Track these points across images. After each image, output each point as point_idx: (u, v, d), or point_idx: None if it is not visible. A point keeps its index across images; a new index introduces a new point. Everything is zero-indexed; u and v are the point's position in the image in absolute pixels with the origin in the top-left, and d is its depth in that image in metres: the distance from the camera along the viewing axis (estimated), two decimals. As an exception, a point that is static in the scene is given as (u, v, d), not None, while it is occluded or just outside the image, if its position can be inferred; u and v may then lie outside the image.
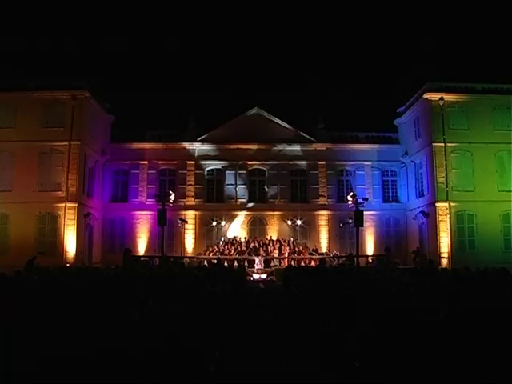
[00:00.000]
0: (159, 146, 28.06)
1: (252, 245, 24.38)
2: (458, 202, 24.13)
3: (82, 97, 24.50)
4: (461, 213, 24.29)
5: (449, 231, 23.83)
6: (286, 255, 23.46)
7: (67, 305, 5.77)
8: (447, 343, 4.35)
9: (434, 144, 24.58)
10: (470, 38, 41.88)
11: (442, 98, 24.77)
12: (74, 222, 23.42)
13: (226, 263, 20.97)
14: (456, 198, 24.11)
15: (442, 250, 23.64)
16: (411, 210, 27.25)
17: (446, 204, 24.13)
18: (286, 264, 21.12)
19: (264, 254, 23.22)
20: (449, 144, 24.49)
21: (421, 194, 26.24)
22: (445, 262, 23.24)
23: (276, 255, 23.52)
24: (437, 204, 24.15)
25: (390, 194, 28.62)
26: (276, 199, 28.05)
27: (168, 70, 43.88)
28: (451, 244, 23.66)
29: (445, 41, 42.45)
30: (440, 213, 24.05)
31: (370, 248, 27.32)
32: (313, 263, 21.14)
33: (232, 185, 28.10)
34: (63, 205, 23.47)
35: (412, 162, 27.30)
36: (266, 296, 13.80)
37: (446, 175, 24.21)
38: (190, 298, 6.83)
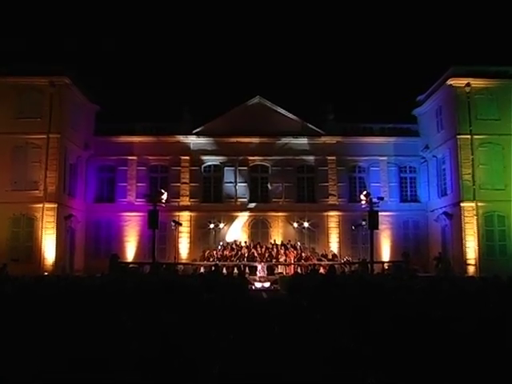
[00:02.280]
0: (150, 139, 28.07)
1: (254, 250, 24.43)
2: (486, 201, 23.88)
3: (62, 83, 24.20)
4: (490, 214, 24.06)
5: (476, 235, 23.66)
6: (292, 261, 23.55)
7: (44, 321, 5.73)
8: (475, 363, 4.27)
9: (459, 136, 24.40)
10: (499, 16, 41.56)
11: (468, 84, 24.45)
12: (54, 224, 23.33)
13: (224, 270, 21.08)
14: (484, 197, 23.88)
15: (468, 256, 23.51)
16: (432, 211, 27.18)
17: (473, 204, 23.95)
18: (292, 271, 21.16)
19: (267, 260, 23.28)
20: (476, 136, 24.28)
21: (443, 193, 26.18)
22: (471, 269, 23.03)
23: (280, 261, 23.55)
24: (462, 204, 24.03)
25: (409, 193, 28.55)
26: (280, 199, 28.02)
27: (160, 56, 43.83)
28: (479, 249, 23.50)
29: (470, 20, 42.19)
30: (466, 214, 23.89)
31: (385, 253, 27.30)
32: (322, 270, 20.96)
33: (231, 183, 28.07)
34: (41, 205, 23.38)
35: (433, 156, 27.22)
36: (269, 306, 13.68)
37: (473, 171, 24.02)
38: (184, 308, 6.90)
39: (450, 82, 24.72)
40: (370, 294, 8.23)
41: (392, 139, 28.38)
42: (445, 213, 25.57)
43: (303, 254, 24.40)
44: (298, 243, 25.62)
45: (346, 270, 21.92)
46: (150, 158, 27.95)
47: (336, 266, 20.32)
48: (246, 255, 23.93)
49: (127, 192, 27.63)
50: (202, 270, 21.65)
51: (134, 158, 27.86)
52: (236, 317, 7.70)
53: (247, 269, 22.24)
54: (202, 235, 27.33)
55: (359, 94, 35.25)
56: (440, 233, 26.33)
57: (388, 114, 28.89)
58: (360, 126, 28.76)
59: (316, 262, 23.38)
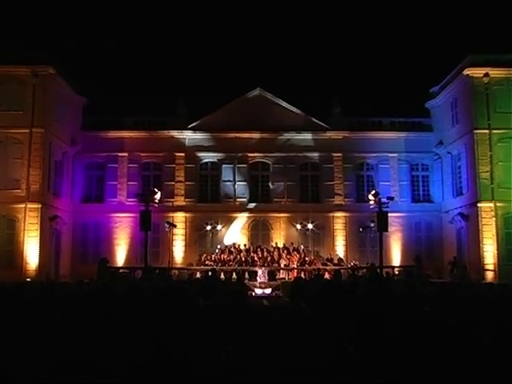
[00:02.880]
0: (142, 134, 28.09)
1: (254, 253, 24.56)
2: (505, 201, 23.70)
3: (46, 73, 24.01)
4: (510, 215, 23.91)
5: (495, 238, 23.52)
6: (295, 266, 23.62)
7: (26, 330, 5.71)
8: (494, 372, 4.29)
9: (476, 131, 24.28)
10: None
11: (486, 74, 24.24)
12: (37, 226, 23.24)
13: (222, 275, 21.05)
14: (503, 196, 23.71)
15: (486, 261, 23.35)
16: (447, 212, 27.17)
17: (491, 204, 23.83)
18: (296, 276, 21.04)
19: (268, 265, 23.36)
20: (494, 131, 24.14)
21: (459, 193, 26.21)
22: (490, 275, 22.86)
23: (283, 266, 23.64)
24: (479, 204, 23.94)
25: (421, 193, 28.57)
26: (282, 199, 28.07)
27: (153, 46, 43.76)
28: (498, 253, 23.34)
29: (488, 5, 41.99)
30: (483, 215, 23.77)
31: (396, 257, 27.34)
32: (327, 275, 21.05)
33: (230, 181, 28.10)
34: (23, 206, 23.28)
35: (448, 153, 27.24)
36: (270, 314, 13.84)
37: (491, 169, 23.90)
38: (179, 316, 6.94)
39: (467, 71, 24.56)
40: (379, 301, 8.26)
41: (403, 134, 28.38)
42: (460, 214, 25.52)
43: (307, 258, 24.43)
44: (302, 246, 25.67)
45: (355, 273, 21.73)
46: (142, 154, 27.98)
47: (342, 270, 20.00)
48: (246, 259, 24.02)
49: (117, 191, 27.65)
50: (198, 275, 21.62)
51: (125, 154, 27.85)
52: (234, 325, 7.74)
53: (247, 274, 22.31)
54: (198, 238, 27.36)
55: (367, 85, 35.26)
56: (455, 235, 26.34)
57: (399, 107, 29.00)
58: (368, 120, 28.76)
59: (321, 267, 23.44)
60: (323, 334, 7.64)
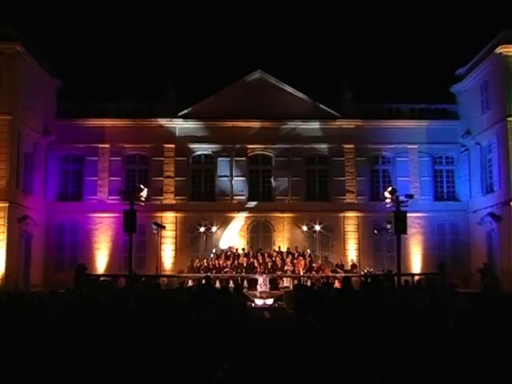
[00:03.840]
0: (126, 123, 28.00)
1: (253, 259, 24.55)
2: (544, 200, 23.72)
3: (13, 51, 23.85)
4: (549, 216, 23.73)
5: (531, 241, 23.56)
6: (301, 273, 23.69)
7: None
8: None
9: (511, 119, 24.23)
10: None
11: (524, 53, 24.15)
12: (4, 228, 23.19)
13: (218, 284, 21.20)
14: (541, 194, 23.76)
15: (521, 269, 23.44)
16: (475, 212, 27.07)
17: (527, 203, 23.81)
18: (295, 284, 21.17)
19: (270, 272, 23.44)
20: (533, 118, 24.14)
21: (489, 190, 26.13)
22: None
23: (286, 273, 23.63)
24: (513, 203, 24.03)
25: (445, 190, 28.51)
26: (286, 196, 28.05)
27: (139, 20, 43.25)
28: (535, 259, 23.39)
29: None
30: (518, 216, 23.80)
31: (416, 264, 27.32)
32: (337, 284, 21.09)
33: (226, 177, 28.05)
34: (-14, 205, 23.33)
35: (477, 144, 27.14)
36: (272, 329, 14.12)
37: (528, 163, 23.86)
38: (167, 330, 6.98)
39: (500, 49, 24.47)
40: (396, 315, 8.28)
41: (424, 123, 28.29)
42: (491, 214, 25.45)
43: (314, 264, 24.46)
44: (308, 251, 25.70)
45: (369, 281, 21.61)
46: (126, 146, 27.92)
47: (354, 278, 20.29)
48: (245, 265, 24.06)
49: (98, 188, 27.58)
50: (191, 283, 21.70)
51: (107, 145, 27.78)
52: (231, 341, 7.99)
53: (246, 282, 22.48)
54: (191, 241, 27.40)
55: (383, 67, 34.85)
56: (485, 239, 26.23)
57: (419, 91, 28.82)
58: (384, 106, 28.69)
59: (330, 274, 23.51)
60: (332, 351, 7.74)
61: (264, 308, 20.11)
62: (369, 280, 21.70)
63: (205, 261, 24.58)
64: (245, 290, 20.11)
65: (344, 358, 7.15)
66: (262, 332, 13.17)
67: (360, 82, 29.06)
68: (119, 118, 27.99)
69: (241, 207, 27.74)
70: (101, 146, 27.72)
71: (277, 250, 26.01)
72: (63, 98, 28.24)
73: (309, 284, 21.52)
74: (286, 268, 23.82)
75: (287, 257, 24.66)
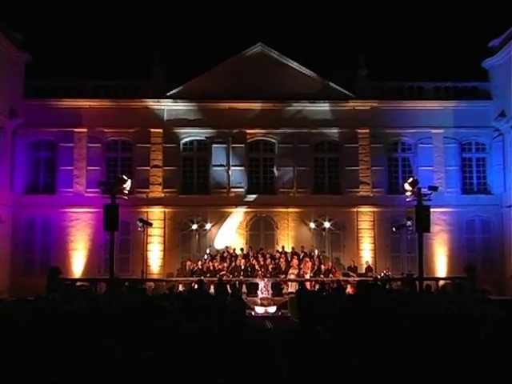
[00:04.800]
0: (106, 104, 27.89)
1: (254, 260, 24.58)
2: None
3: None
4: None
5: None
6: (308, 276, 23.71)
7: None
8: None
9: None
10: None
11: None
12: (-38, 225, 23.36)
13: (212, 289, 21.16)
14: None
15: None
16: (510, 207, 27.02)
17: None
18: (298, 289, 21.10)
19: (272, 275, 23.53)
20: None
21: (527, 181, 26.45)
22: None
23: (291, 276, 23.65)
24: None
25: (475, 181, 28.48)
26: (291, 189, 28.06)
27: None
28: None
29: None
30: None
31: (441, 266, 27.34)
32: (349, 289, 21.39)
33: (222, 166, 28.01)
34: None
35: (513, 128, 27.15)
36: (275, 340, 14.18)
37: None
38: (155, 342, 7.11)
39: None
40: (418, 325, 8.30)
41: (451, 104, 28.16)
42: (529, 209, 25.60)
43: (323, 267, 24.48)
44: (316, 251, 25.76)
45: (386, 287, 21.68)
46: (107, 130, 27.87)
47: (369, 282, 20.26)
48: (243, 268, 24.12)
49: (74, 179, 27.49)
50: (181, 288, 21.77)
51: (84, 130, 27.69)
52: (228, 354, 8.20)
53: (244, 287, 22.50)
54: (182, 240, 27.42)
55: (403, 39, 34.29)
56: (521, 237, 26.45)
57: (445, 67, 28.78)
58: (405, 85, 28.62)
59: (341, 278, 23.53)
60: (344, 367, 8.00)
61: (265, 317, 20.14)
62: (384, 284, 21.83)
63: (199, 263, 24.59)
64: (244, 297, 20.11)
65: (358, 374, 7.27)
66: (262, 344, 13.27)
67: (376, 56, 28.80)
68: (98, 98, 27.82)
69: (239, 201, 27.69)
70: (77, 130, 27.58)
71: (280, 250, 26.04)
72: (33, 74, 28.02)
73: (316, 289, 21.37)
74: (290, 271, 23.84)
75: (292, 258, 24.71)
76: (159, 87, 27.97)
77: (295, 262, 24.31)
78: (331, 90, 28.19)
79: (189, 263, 24.85)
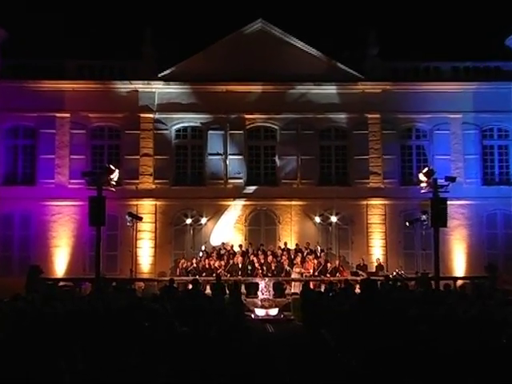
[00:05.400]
0: (91, 86, 27.80)
1: (253, 258, 24.70)
2: None
3: None
4: None
5: None
6: (312, 275, 23.88)
7: None
8: None
9: None
10: None
11: None
12: None
13: (208, 289, 21.27)
14: None
15: None
16: (535, 200, 27.28)
17: None
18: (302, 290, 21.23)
19: (274, 274, 23.68)
20: None
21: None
22: None
23: (295, 275, 23.74)
24: None
25: (497, 171, 28.40)
26: (294, 180, 28.09)
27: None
28: None
29: None
30: None
31: (458, 265, 27.35)
32: (358, 290, 20.97)
33: (219, 155, 28.01)
34: None
35: (539, 113, 27.39)
36: (276, 346, 14.36)
37: None
38: (146, 348, 7.44)
39: None
40: (434, 328, 8.50)
41: (471, 86, 28.05)
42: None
43: (329, 265, 24.59)
44: (319, 248, 25.93)
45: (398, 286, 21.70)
46: (92, 115, 27.83)
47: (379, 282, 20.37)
48: (242, 266, 24.24)
49: (56, 169, 27.42)
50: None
51: (66, 115, 27.63)
52: (226, 361, 8.13)
53: (243, 287, 22.48)
54: (175, 236, 27.46)
55: (418, 15, 34.49)
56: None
57: (464, 45, 28.65)
58: (419, 65, 28.46)
59: (350, 278, 23.45)
60: (352, 376, 8.17)
61: (266, 320, 20.20)
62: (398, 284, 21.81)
63: (194, 261, 24.63)
64: (242, 298, 20.19)
65: (366, 383, 7.43)
66: (263, 350, 13.31)
67: (388, 33, 28.80)
68: (82, 79, 27.67)
69: (237, 193, 27.74)
70: (59, 115, 27.52)
71: (282, 246, 26.09)
72: (9, 53, 27.86)
73: (322, 289, 21.57)
74: (293, 270, 23.90)
75: (296, 256, 24.78)
76: (149, 68, 27.81)
77: (299, 259, 24.33)
78: (338, 70, 28.08)
79: (182, 261, 24.90)
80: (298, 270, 23.85)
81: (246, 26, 28.14)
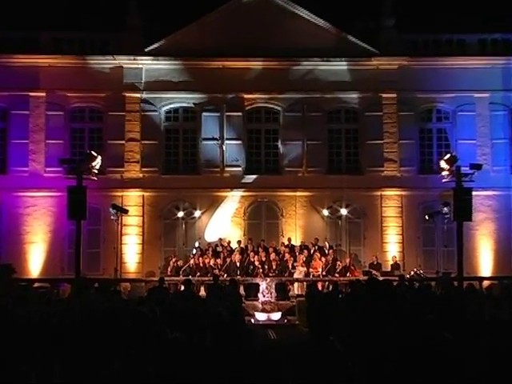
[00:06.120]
0: (69, 61, 27.70)
1: (254, 255, 24.82)
2: None
3: None
4: None
5: None
6: (319, 275, 24.02)
7: None
8: None
9: None
10: None
11: None
12: None
13: (202, 291, 21.52)
14: None
15: None
16: None
17: None
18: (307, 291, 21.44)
19: (276, 274, 23.92)
20: None
21: None
22: None
23: (300, 275, 23.87)
24: None
25: (529, 158, 28.50)
26: (300, 168, 28.14)
27: None
28: None
29: None
30: None
31: (485, 263, 27.40)
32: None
33: (215, 140, 27.99)
34: None
35: None
36: (279, 356, 14.31)
37: None
38: (132, 357, 7.07)
39: None
40: (463, 334, 8.39)
41: (500, 61, 27.98)
42: None
43: (339, 263, 24.72)
44: (327, 244, 26.02)
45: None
46: (71, 95, 27.80)
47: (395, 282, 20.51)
48: (241, 265, 24.37)
49: (30, 155, 27.44)
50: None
51: (42, 94, 27.59)
52: (222, 373, 7.88)
53: (242, 288, 22.49)
54: (165, 231, 27.63)
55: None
56: None
57: (492, 16, 28.31)
58: (441, 38, 28.34)
59: (362, 277, 23.27)
60: None
61: (268, 325, 20.27)
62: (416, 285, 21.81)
63: (191, 261, 24.70)
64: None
65: None
66: (264, 359, 12.91)
67: (406, 2, 28.33)
68: (59, 54, 27.52)
69: (235, 183, 27.80)
70: (33, 94, 27.49)
71: (286, 243, 26.19)
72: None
73: (331, 290, 21.53)
74: (298, 268, 24.02)
75: (301, 253, 24.85)
76: (135, 41, 27.63)
77: (302, 257, 24.44)
78: (350, 44, 27.98)
79: (173, 260, 25.01)
80: (301, 269, 23.93)
81: (243, -6, 28.15)
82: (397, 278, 22.25)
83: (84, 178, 20.65)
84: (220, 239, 26.51)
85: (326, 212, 27.27)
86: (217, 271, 23.67)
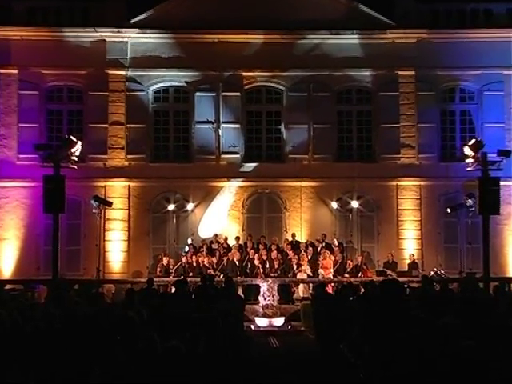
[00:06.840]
0: (44, 34, 27.68)
1: (254, 253, 24.98)
2: None
3: None
4: None
5: None
6: (329, 275, 24.18)
7: None
8: None
9: None
10: None
11: None
12: None
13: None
14: None
15: None
16: None
17: None
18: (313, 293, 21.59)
19: (279, 274, 24.13)
20: None
21: None
22: None
23: (305, 275, 24.14)
24: None
25: None
26: (305, 155, 28.23)
27: None
28: None
29: None
30: None
31: None
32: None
33: (210, 123, 28.08)
34: None
35: None
36: (281, 368, 14.33)
37: None
38: (116, 365, 7.28)
39: None
40: (489, 342, 8.32)
41: (531, 34, 28.05)
42: None
43: (349, 262, 24.95)
44: (336, 241, 26.15)
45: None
46: (47, 72, 27.86)
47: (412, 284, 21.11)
48: (239, 264, 24.55)
49: (0, 140, 27.51)
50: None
51: (13, 71, 27.67)
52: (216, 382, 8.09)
53: (241, 290, 22.69)
54: (153, 226, 27.80)
55: None
56: None
57: None
58: (465, 7, 28.20)
59: (375, 278, 23.26)
60: None
61: (270, 332, 20.41)
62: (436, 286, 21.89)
63: (183, 259, 24.81)
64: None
65: None
66: (265, 370, 13.30)
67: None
68: (33, 26, 27.50)
69: (233, 172, 27.96)
70: (3, 71, 27.61)
71: (290, 239, 26.30)
72: None
73: (340, 293, 21.54)
74: (303, 268, 24.18)
75: (306, 251, 25.00)
76: (120, 12, 27.65)
77: (310, 255, 24.64)
78: (362, 15, 27.91)
79: (164, 258, 25.12)
80: (309, 269, 24.02)
81: (242, -43, 28.23)
82: (418, 279, 22.50)
83: (62, 167, 20.85)
84: (215, 235, 26.55)
85: (334, 204, 27.27)
86: (211, 271, 23.69)
